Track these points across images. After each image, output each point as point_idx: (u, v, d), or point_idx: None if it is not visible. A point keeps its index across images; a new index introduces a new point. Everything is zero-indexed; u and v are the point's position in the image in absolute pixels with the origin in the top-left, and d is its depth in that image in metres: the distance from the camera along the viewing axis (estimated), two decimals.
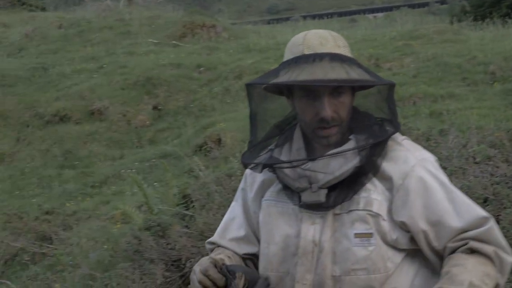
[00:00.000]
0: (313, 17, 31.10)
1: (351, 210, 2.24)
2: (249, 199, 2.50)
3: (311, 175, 2.26)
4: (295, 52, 2.27)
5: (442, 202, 2.23)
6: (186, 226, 6.41)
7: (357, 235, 2.23)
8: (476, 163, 6.02)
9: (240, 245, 2.51)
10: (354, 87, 2.27)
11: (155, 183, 9.41)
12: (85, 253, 7.87)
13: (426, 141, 6.66)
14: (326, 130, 2.25)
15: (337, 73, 2.17)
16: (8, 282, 7.67)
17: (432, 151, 6.44)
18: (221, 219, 6.06)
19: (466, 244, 2.21)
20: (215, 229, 5.94)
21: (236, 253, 2.52)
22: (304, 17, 30.79)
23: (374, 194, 2.24)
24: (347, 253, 2.24)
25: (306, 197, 2.26)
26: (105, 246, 7.73)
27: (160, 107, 14.95)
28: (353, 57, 2.26)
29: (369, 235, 2.23)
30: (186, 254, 6.09)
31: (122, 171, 11.63)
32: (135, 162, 12.02)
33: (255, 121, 2.41)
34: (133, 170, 11.19)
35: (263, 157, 2.41)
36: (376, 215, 2.23)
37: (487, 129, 7.21)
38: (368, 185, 2.25)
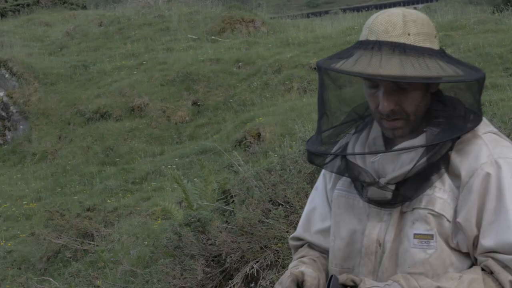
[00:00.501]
0: (353, 9, 30.90)
1: (414, 208, 2.09)
2: (328, 187, 2.35)
3: (379, 168, 2.12)
4: (363, 34, 2.10)
5: (488, 212, 2.03)
6: (226, 222, 6.40)
7: (416, 236, 2.07)
8: None
9: (326, 237, 2.34)
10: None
11: (195, 179, 9.41)
12: (126, 249, 7.91)
13: None
14: (389, 123, 2.10)
15: (391, 67, 1.97)
16: (51, 279, 7.74)
17: None
18: (261, 214, 6.06)
19: (488, 260, 2.03)
20: (255, 224, 5.97)
21: (322, 248, 2.37)
22: (344, 10, 30.60)
23: (439, 192, 2.07)
24: (405, 255, 2.09)
25: (372, 192, 2.11)
26: (146, 242, 7.77)
27: (199, 103, 14.98)
28: (426, 47, 2.04)
29: (429, 236, 2.06)
30: (226, 250, 6.08)
31: (162, 167, 11.67)
32: (175, 158, 12.05)
33: (326, 104, 2.24)
34: (173, 166, 11.23)
35: (337, 144, 2.26)
36: (438, 215, 2.06)
37: None
38: (436, 183, 2.07)
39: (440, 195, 2.06)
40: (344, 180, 2.25)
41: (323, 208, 2.37)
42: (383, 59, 1.98)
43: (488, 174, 2.02)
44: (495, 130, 2.14)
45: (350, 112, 2.27)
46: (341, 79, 2.20)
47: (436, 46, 2.08)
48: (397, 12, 2.08)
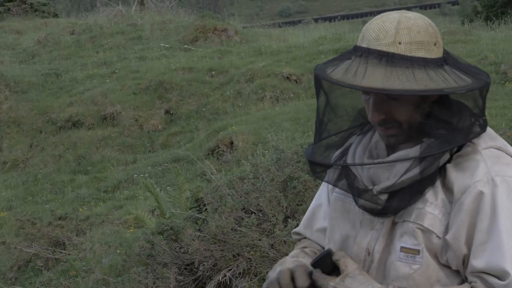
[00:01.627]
0: (325, 19, 31.08)
1: (404, 221, 2.00)
2: (329, 187, 2.30)
3: (374, 175, 2.05)
4: (359, 38, 2.03)
5: (481, 232, 1.93)
6: (199, 230, 6.40)
7: (403, 249, 2.00)
8: None
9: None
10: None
11: (168, 187, 9.41)
12: (98, 258, 7.89)
13: None
14: (383, 130, 2.04)
15: (375, 78, 1.90)
16: None
17: None
18: (234, 222, 6.08)
19: (477, 282, 1.94)
20: (228, 232, 5.99)
21: (321, 247, 2.33)
22: (316, 20, 30.75)
23: (430, 207, 1.98)
24: (390, 267, 2.02)
25: (365, 200, 2.04)
26: (118, 251, 7.75)
27: (172, 111, 14.98)
28: (418, 57, 1.94)
29: (416, 251, 1.98)
30: (199, 258, 6.09)
31: (135, 175, 11.65)
32: (148, 167, 12.04)
33: (326, 111, 2.15)
34: (146, 175, 11.21)
35: (339, 149, 2.20)
36: (426, 231, 1.97)
37: (498, 129, 7.17)
38: (429, 196, 1.98)
39: (431, 210, 1.98)
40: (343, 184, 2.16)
41: (327, 206, 2.32)
42: (369, 69, 1.92)
43: (481, 193, 1.93)
44: (500, 144, 2.02)
45: (356, 115, 2.21)
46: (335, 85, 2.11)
47: (433, 55, 1.96)
48: (392, 18, 1.98)
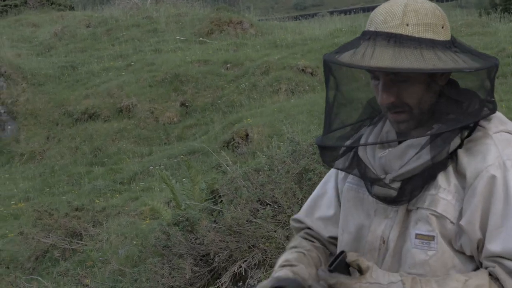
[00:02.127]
0: (341, 12, 30.98)
1: (418, 208, 2.00)
2: (340, 177, 2.28)
3: (386, 164, 2.04)
4: (367, 24, 2.04)
5: (495, 216, 1.92)
6: (214, 221, 6.43)
7: (418, 236, 1.98)
8: None
9: (327, 226, 2.29)
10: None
11: (183, 179, 9.45)
12: (115, 249, 7.94)
13: None
14: (393, 115, 2.02)
15: (383, 58, 1.90)
16: (39, 278, 7.76)
17: None
18: (249, 214, 6.10)
19: (493, 267, 1.93)
20: (243, 223, 6.01)
21: (320, 236, 2.31)
22: (331, 13, 30.66)
23: (443, 193, 1.97)
24: (407, 255, 2.01)
25: (378, 189, 2.04)
26: (134, 242, 7.80)
27: (187, 104, 15.01)
28: (426, 38, 1.94)
29: (430, 238, 1.97)
30: (215, 249, 6.12)
31: (151, 167, 11.70)
32: (163, 159, 12.08)
33: (336, 100, 2.15)
34: (161, 167, 11.26)
35: (350, 139, 2.19)
36: (440, 217, 1.96)
37: None
38: (441, 181, 1.98)
39: (444, 196, 1.97)
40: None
41: (331, 195, 2.30)
42: (377, 51, 1.92)
43: (493, 177, 1.91)
44: (511, 128, 2.01)
45: (366, 106, 2.20)
46: (345, 72, 2.13)
47: (441, 37, 1.97)
48: (400, 1, 1.99)
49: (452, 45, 1.99)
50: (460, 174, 1.97)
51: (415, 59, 1.90)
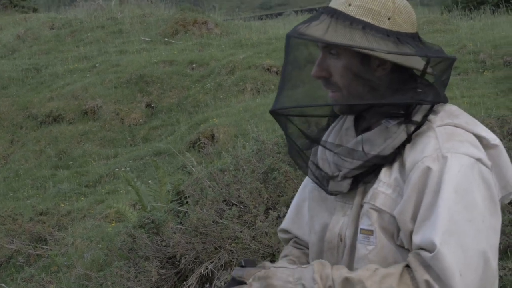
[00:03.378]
0: (306, 11, 31.06)
1: (365, 202, 2.01)
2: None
3: (339, 160, 2.05)
4: None
5: (423, 208, 1.89)
6: (180, 223, 6.40)
7: (362, 231, 1.99)
8: None
9: None
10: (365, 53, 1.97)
11: (149, 181, 9.39)
12: (80, 253, 7.86)
13: None
14: (331, 94, 2.06)
15: (316, 29, 1.97)
16: (3, 285, 7.66)
17: None
18: (215, 215, 6.07)
19: (410, 256, 1.90)
20: (209, 224, 5.98)
21: (307, 243, 2.28)
22: (296, 12, 30.74)
23: (383, 187, 1.97)
24: (352, 250, 2.03)
25: (332, 185, 2.05)
26: (100, 245, 7.73)
27: (153, 105, 14.93)
28: (362, 20, 1.97)
29: (370, 232, 1.97)
30: (181, 251, 6.08)
31: (116, 169, 11.61)
32: (129, 161, 12.00)
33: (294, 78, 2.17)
34: (127, 169, 11.18)
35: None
36: (379, 211, 1.96)
37: (477, 117, 7.20)
38: (382, 175, 1.98)
39: (383, 189, 1.97)
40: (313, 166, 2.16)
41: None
42: (315, 22, 2.00)
43: (428, 169, 1.89)
44: (460, 122, 1.98)
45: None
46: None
47: (382, 25, 1.98)
48: None
49: (394, 36, 1.98)
50: (402, 167, 1.96)
51: (342, 35, 1.95)
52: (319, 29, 1.97)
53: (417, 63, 2.01)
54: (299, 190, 2.37)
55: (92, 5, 24.45)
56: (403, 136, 1.96)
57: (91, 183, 11.49)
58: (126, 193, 9.89)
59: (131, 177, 7.79)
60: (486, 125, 6.69)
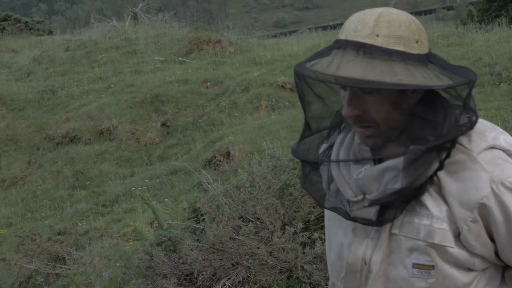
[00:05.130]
0: (320, 28, 31.16)
1: (410, 237, 1.93)
2: None
3: (364, 185, 1.95)
4: (340, 32, 1.95)
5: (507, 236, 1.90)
6: (197, 240, 6.41)
7: (416, 266, 1.93)
8: None
9: None
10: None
11: (165, 199, 9.42)
12: (98, 271, 7.88)
13: None
14: (360, 129, 1.93)
15: (349, 68, 1.80)
16: None
17: None
18: (232, 231, 6.07)
19: None
20: (226, 241, 6.00)
21: None
22: (310, 29, 30.84)
23: (437, 223, 1.90)
24: (403, 282, 1.95)
25: (358, 211, 1.95)
26: (118, 264, 7.75)
27: (168, 124, 14.99)
28: (397, 50, 1.84)
29: (430, 267, 1.92)
30: (198, 268, 6.08)
31: (133, 188, 11.66)
32: (146, 180, 12.04)
33: (307, 107, 2.07)
34: (144, 188, 11.22)
35: (322, 146, 2.11)
36: (439, 247, 1.90)
37: None
38: (433, 209, 1.90)
39: (438, 225, 1.90)
40: (331, 191, 2.05)
41: None
42: (344, 60, 1.82)
43: (490, 206, 1.87)
44: (490, 141, 1.91)
45: (336, 114, 2.09)
46: (314, 80, 2.00)
47: (413, 51, 1.86)
48: (374, 12, 1.89)
49: (427, 60, 1.90)
50: (449, 199, 1.90)
51: (381, 71, 1.80)
52: (354, 68, 1.80)
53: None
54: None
55: (106, 27, 24.66)
56: (436, 165, 1.87)
57: (108, 203, 11.53)
58: (143, 212, 9.92)
59: (147, 196, 7.82)
60: None
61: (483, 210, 1.86)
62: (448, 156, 1.88)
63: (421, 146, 1.86)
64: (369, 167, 1.96)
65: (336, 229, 2.10)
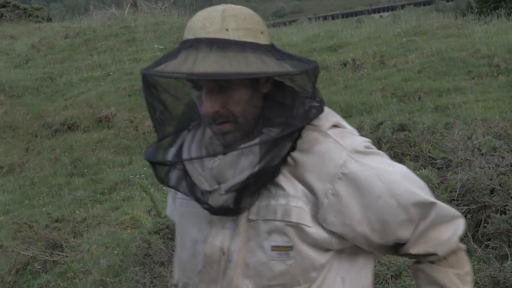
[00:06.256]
0: (319, 18, 31.10)
1: (267, 219, 1.93)
2: (172, 193, 2.24)
3: (219, 174, 1.95)
4: (185, 34, 1.95)
5: (382, 197, 1.92)
6: None
7: (274, 248, 1.93)
8: (482, 154, 6.02)
9: None
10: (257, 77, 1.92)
11: (163, 187, 9.42)
12: (96, 259, 7.89)
13: (431, 135, 6.67)
14: (218, 127, 1.93)
15: (206, 63, 1.81)
16: None
17: (437, 143, 6.47)
18: None
19: (431, 254, 2.00)
20: None
21: None
22: (310, 19, 30.79)
23: (293, 201, 1.92)
24: (262, 268, 1.94)
25: (214, 200, 1.94)
26: (115, 252, 7.76)
27: None
28: (248, 41, 1.88)
29: (289, 248, 1.93)
30: None
31: (131, 176, 11.66)
32: (144, 168, 12.04)
33: (155, 110, 2.08)
34: (142, 176, 11.22)
35: (172, 149, 2.09)
36: (296, 225, 1.92)
37: (492, 120, 7.21)
38: (289, 189, 1.92)
39: (294, 203, 1.92)
40: (187, 185, 2.03)
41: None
42: (199, 57, 1.82)
43: (352, 171, 1.92)
44: (336, 121, 2.01)
45: (185, 113, 2.10)
46: (163, 82, 2.05)
47: (261, 42, 1.92)
48: (217, 8, 1.92)
49: (273, 49, 1.94)
50: (304, 180, 1.93)
51: (238, 63, 1.83)
52: (211, 63, 1.82)
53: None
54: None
55: (105, 14, 24.62)
56: (289, 144, 1.91)
57: (106, 190, 11.53)
58: (141, 200, 9.92)
59: (145, 184, 7.82)
60: (501, 129, 6.70)
61: (343, 181, 1.91)
62: (299, 136, 1.93)
63: (277, 130, 1.91)
64: (223, 156, 1.96)
65: (189, 225, 2.07)
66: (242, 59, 1.84)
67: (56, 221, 9.34)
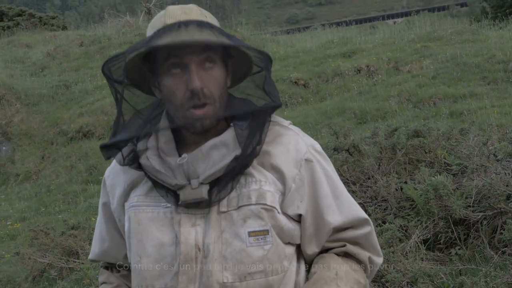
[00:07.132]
0: (333, 25, 31.09)
1: (241, 206, 1.96)
2: (113, 207, 2.18)
3: (189, 169, 1.97)
4: (157, 26, 1.98)
5: (327, 197, 2.05)
6: None
7: (252, 234, 1.95)
8: (497, 160, 5.99)
9: (108, 258, 2.31)
10: (227, 63, 2.01)
11: None
12: None
13: (446, 141, 6.64)
14: (199, 111, 1.93)
15: (205, 35, 1.88)
16: None
17: (452, 149, 6.45)
18: None
19: (343, 246, 2.11)
20: None
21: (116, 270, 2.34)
22: (323, 26, 30.81)
23: (266, 186, 1.98)
24: (240, 255, 1.96)
25: (186, 195, 1.95)
26: None
27: None
28: (225, 32, 1.97)
29: (265, 232, 1.96)
30: None
31: None
32: None
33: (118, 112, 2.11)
34: None
35: (127, 149, 2.07)
36: (270, 209, 1.97)
37: (508, 126, 7.17)
38: (258, 176, 1.98)
39: (267, 188, 1.98)
40: (138, 194, 2.07)
41: (101, 229, 2.26)
42: (195, 32, 1.89)
43: (311, 163, 2.04)
44: (290, 122, 2.17)
45: (134, 116, 2.10)
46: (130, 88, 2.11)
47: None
48: (186, 6, 2.02)
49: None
50: (274, 167, 2.01)
51: (227, 38, 1.91)
52: (206, 33, 1.90)
53: None
54: (99, 222, 2.27)
55: (120, 22, 24.71)
56: (258, 135, 1.99)
57: None
58: None
59: None
60: None
61: (304, 168, 2.03)
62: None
63: (241, 122, 2.00)
64: (191, 152, 2.00)
65: (149, 231, 2.03)
66: (226, 37, 1.92)
67: (72, 228, 9.36)
